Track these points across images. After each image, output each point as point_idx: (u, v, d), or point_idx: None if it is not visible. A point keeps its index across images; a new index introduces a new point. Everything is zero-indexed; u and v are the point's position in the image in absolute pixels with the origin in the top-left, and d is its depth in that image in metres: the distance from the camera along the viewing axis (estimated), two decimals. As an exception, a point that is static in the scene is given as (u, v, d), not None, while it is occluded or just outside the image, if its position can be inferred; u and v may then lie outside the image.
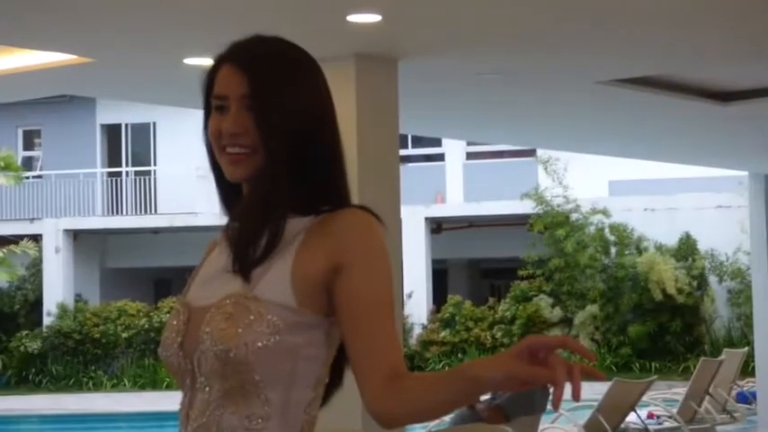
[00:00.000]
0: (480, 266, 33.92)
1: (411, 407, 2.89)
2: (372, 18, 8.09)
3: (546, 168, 27.41)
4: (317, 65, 3.21)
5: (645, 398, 17.50)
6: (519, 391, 9.29)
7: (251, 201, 2.95)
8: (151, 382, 27.51)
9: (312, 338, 2.91)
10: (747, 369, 18.63)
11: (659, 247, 26.98)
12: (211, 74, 3.08)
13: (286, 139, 2.95)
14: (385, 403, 2.88)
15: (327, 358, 2.99)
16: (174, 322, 2.93)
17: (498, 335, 27.20)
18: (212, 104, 3.03)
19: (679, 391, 18.16)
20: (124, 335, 28.60)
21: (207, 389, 2.83)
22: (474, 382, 2.71)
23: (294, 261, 2.84)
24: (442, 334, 27.94)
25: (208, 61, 9.00)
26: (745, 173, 17.31)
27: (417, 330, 27.45)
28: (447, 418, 11.97)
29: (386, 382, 2.85)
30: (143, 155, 33.43)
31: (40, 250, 30.84)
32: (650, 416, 17.42)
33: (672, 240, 27.17)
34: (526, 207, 27.50)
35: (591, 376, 2.64)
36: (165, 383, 27.29)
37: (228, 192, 3.14)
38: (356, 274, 2.84)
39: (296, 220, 2.89)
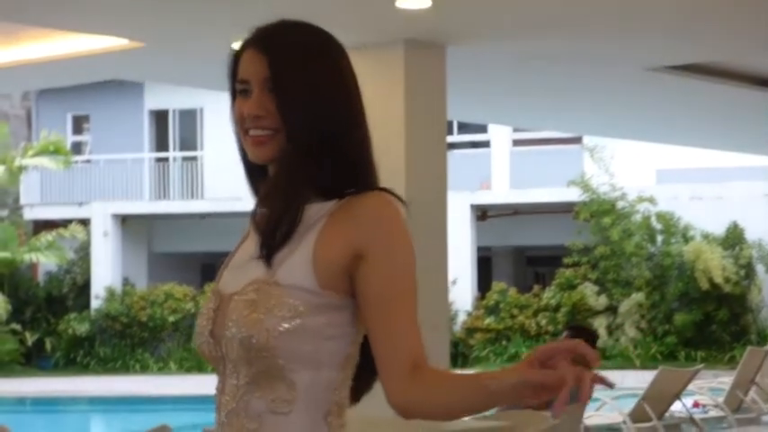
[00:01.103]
0: (525, 254, 33.79)
1: (430, 401, 2.83)
2: (422, 4, 8.04)
3: (592, 156, 27.26)
4: (341, 49, 3.07)
5: (690, 387, 17.40)
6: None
7: (274, 183, 2.94)
8: (197, 365, 27.55)
9: (337, 319, 2.87)
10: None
11: (706, 236, 26.76)
12: (235, 58, 3.01)
13: (308, 121, 2.93)
14: (405, 394, 2.81)
15: (356, 337, 2.94)
16: (206, 310, 2.94)
17: (543, 322, 27.12)
18: (236, 89, 3.01)
19: (725, 380, 18.03)
20: (171, 318, 28.74)
21: (235, 375, 2.85)
22: (484, 389, 2.65)
23: (315, 245, 2.83)
24: (487, 321, 27.93)
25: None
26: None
27: (462, 317, 27.36)
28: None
29: (406, 373, 2.79)
30: (190, 140, 33.48)
31: (89, 234, 31.16)
32: (695, 405, 17.32)
33: (719, 229, 26.96)
34: (572, 195, 27.34)
35: (599, 383, 2.63)
36: (211, 367, 27.21)
37: (257, 177, 3.13)
38: (377, 262, 2.79)
39: (319, 203, 2.87)
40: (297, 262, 2.83)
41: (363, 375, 3.05)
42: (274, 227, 2.87)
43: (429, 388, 2.80)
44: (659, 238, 26.92)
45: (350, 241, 2.80)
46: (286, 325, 2.78)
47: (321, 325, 2.80)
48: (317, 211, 2.84)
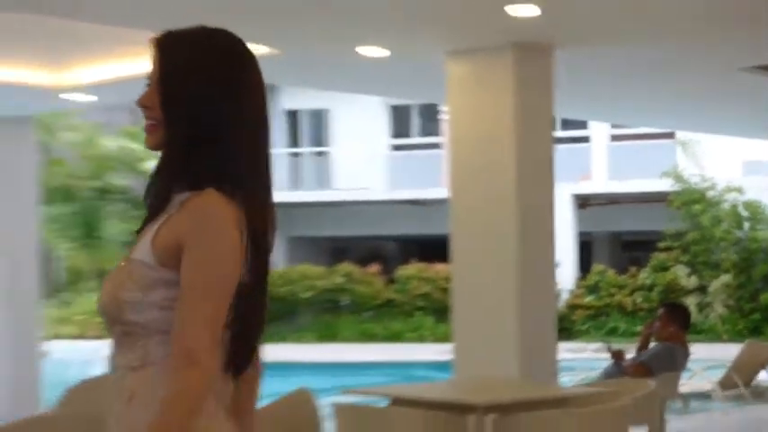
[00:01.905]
0: (621, 239, 33.74)
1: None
2: (531, 12, 7.99)
3: (684, 149, 27.15)
4: (238, 58, 3.22)
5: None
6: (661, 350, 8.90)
7: (153, 170, 3.07)
8: (328, 335, 27.87)
9: (174, 293, 2.96)
10: None
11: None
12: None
13: (182, 120, 3.00)
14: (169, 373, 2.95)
15: None
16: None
17: (639, 300, 27.02)
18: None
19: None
20: (305, 295, 28.95)
21: (112, 336, 3.02)
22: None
23: (158, 228, 2.93)
24: (587, 299, 27.90)
25: (379, 51, 8.93)
26: None
27: (565, 296, 27.38)
28: (595, 374, 11.83)
29: (176, 360, 2.90)
30: (319, 137, 33.81)
31: None
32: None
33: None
34: (665, 185, 27.17)
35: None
36: (341, 337, 27.74)
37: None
38: (188, 252, 2.88)
39: (184, 193, 2.95)
40: (144, 240, 2.98)
41: (237, 347, 3.18)
42: (146, 209, 3.06)
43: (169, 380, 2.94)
44: (746, 225, 26.53)
45: (177, 231, 2.90)
46: (130, 296, 2.94)
47: (159, 298, 2.95)
48: (178, 200, 2.95)
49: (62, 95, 11.60)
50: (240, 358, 3.19)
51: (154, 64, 3.06)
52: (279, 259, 32.11)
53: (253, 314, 3.21)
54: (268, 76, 10.00)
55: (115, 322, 3.01)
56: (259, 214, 3.15)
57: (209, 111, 3.05)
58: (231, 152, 3.04)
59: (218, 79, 3.08)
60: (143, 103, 3.02)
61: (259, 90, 3.19)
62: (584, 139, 30.03)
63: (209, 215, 2.93)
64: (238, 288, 3.04)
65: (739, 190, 26.96)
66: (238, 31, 9.36)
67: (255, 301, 3.21)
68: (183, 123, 3.01)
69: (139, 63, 10.36)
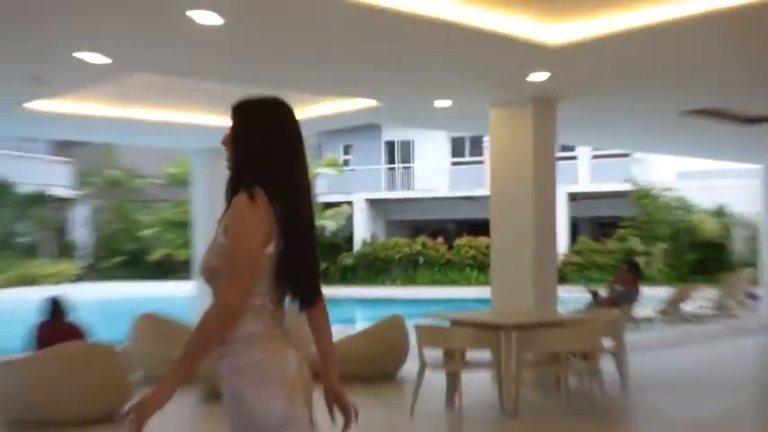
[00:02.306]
0: (597, 221, 33.54)
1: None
2: (543, 77, 7.99)
3: (638, 164, 27.03)
4: (271, 119, 3.27)
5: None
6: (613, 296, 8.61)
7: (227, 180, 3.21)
8: (411, 282, 27.98)
9: None
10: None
11: (704, 211, 26.03)
12: None
13: (239, 154, 3.16)
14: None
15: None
16: None
17: (608, 260, 26.51)
18: None
19: (714, 291, 17.65)
20: (397, 256, 28.99)
21: (211, 292, 3.06)
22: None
23: (222, 216, 3.05)
24: (575, 259, 27.20)
25: (446, 102, 8.78)
26: (758, 166, 16.60)
27: (561, 257, 27.13)
28: (580, 306, 11.76)
29: (214, 305, 2.96)
30: (406, 156, 33.91)
31: (352, 210, 31.68)
32: (701, 307, 16.92)
33: (712, 207, 26.08)
34: (626, 186, 26.90)
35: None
36: (419, 283, 27.83)
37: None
38: (228, 236, 2.99)
39: (240, 194, 3.02)
40: (219, 225, 3.07)
41: (294, 290, 3.20)
42: (226, 203, 3.14)
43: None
44: (677, 213, 26.21)
45: (227, 219, 3.03)
46: (212, 264, 3.02)
47: None
48: (236, 198, 3.01)
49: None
50: (300, 297, 3.18)
51: (232, 119, 3.20)
52: (381, 234, 32.36)
53: (297, 268, 3.14)
54: (374, 119, 10.06)
55: (207, 282, 3.05)
56: (291, 208, 3.12)
57: (251, 150, 3.14)
58: (265, 170, 3.09)
59: (258, 133, 3.16)
60: (223, 143, 3.17)
61: (285, 134, 3.22)
62: (574, 157, 29.75)
63: (237, 206, 2.99)
64: (277, 253, 3.06)
65: (671, 190, 26.54)
66: (359, 93, 9.25)
67: (297, 259, 3.14)
68: (239, 156, 3.15)
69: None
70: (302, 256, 3.18)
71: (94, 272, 29.19)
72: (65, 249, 29.71)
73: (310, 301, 3.25)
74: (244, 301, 3.00)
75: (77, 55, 6.83)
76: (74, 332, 7.71)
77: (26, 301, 18.66)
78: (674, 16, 6.14)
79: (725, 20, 6.13)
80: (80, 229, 31.49)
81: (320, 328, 3.32)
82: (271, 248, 3.04)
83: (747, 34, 6.59)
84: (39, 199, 27.84)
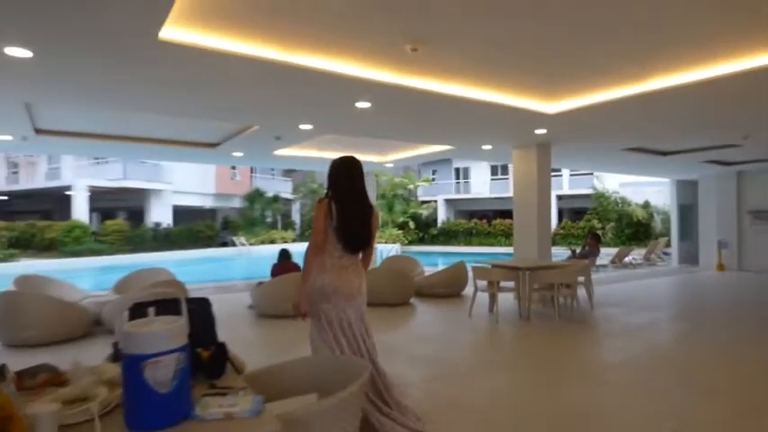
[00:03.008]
0: (574, 210, 32.08)
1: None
2: (543, 131, 7.73)
3: (597, 177, 25.60)
4: (344, 164, 3.26)
5: (632, 254, 16.23)
6: (580, 253, 8.18)
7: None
8: (468, 244, 26.80)
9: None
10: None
11: (637, 204, 24.33)
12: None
13: (330, 181, 3.22)
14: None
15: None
16: None
17: (579, 232, 25.29)
18: None
19: (641, 251, 16.67)
20: (460, 230, 27.91)
21: None
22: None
23: None
24: (561, 231, 25.39)
25: (488, 146, 8.41)
26: (667, 179, 15.61)
27: (552, 230, 26.28)
28: (564, 258, 11.36)
29: (312, 247, 3.20)
30: (466, 175, 33.08)
31: (437, 205, 30.96)
32: (630, 260, 16.00)
33: (641, 201, 24.41)
34: (590, 191, 25.64)
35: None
36: (473, 244, 26.77)
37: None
38: None
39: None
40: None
41: (346, 243, 3.17)
42: None
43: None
44: (620, 205, 24.71)
45: None
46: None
47: None
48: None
49: (384, 163, 11.56)
50: (351, 247, 3.18)
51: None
52: (452, 217, 31.61)
53: (349, 234, 3.14)
54: (448, 156, 9.57)
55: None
56: (344, 207, 3.15)
57: (333, 182, 3.21)
58: (338, 189, 3.20)
59: (337, 173, 3.21)
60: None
61: (351, 174, 3.23)
62: (560, 174, 28.63)
63: (316, 207, 3.17)
64: (334, 226, 3.13)
65: (617, 193, 24.99)
66: (441, 142, 8.89)
67: (348, 230, 3.15)
68: (330, 183, 3.22)
69: (411, 152, 10.54)
70: (348, 230, 3.19)
71: (302, 237, 29.99)
72: (288, 225, 30.67)
73: (354, 251, 3.25)
74: (315, 248, 3.12)
75: None
76: (293, 267, 7.80)
77: (268, 251, 19.39)
78: (619, 97, 5.94)
79: (644, 101, 5.92)
80: (295, 215, 32.51)
81: (365, 263, 3.35)
82: (332, 225, 3.12)
83: (659, 108, 6.25)
84: (276, 199, 28.79)
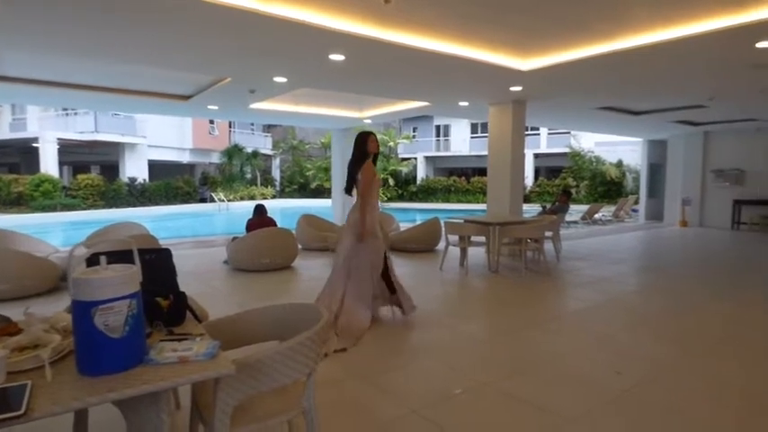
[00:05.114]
0: (550, 168, 32.31)
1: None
2: (519, 88, 7.65)
3: (574, 137, 25.40)
4: (366, 136, 4.18)
5: (602, 210, 16.58)
6: (551, 209, 8.37)
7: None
8: (446, 200, 26.73)
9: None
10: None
11: (610, 164, 24.57)
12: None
13: (353, 153, 3.94)
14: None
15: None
16: None
17: (554, 189, 25.55)
18: None
19: (611, 208, 16.98)
20: (439, 187, 27.81)
21: None
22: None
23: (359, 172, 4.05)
24: (536, 189, 25.56)
25: (465, 103, 8.29)
26: (640, 139, 15.74)
27: (528, 188, 26.40)
28: (536, 214, 11.48)
29: (357, 214, 4.04)
30: (447, 133, 32.70)
31: (417, 162, 30.33)
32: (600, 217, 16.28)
33: (614, 160, 24.64)
34: (566, 149, 25.70)
35: None
36: (450, 201, 26.97)
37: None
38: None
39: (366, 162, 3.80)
40: (359, 174, 3.91)
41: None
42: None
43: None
44: (594, 164, 24.89)
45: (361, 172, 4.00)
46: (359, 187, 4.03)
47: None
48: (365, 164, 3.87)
49: (362, 119, 11.41)
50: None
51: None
52: (431, 175, 31.43)
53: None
54: (428, 112, 9.47)
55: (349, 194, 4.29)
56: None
57: (355, 152, 4.01)
58: (359, 163, 4.10)
59: (358, 144, 4.14)
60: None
61: (369, 145, 4.14)
62: (538, 133, 28.58)
63: (364, 169, 3.95)
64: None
65: (591, 152, 25.07)
66: (420, 99, 8.69)
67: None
68: (354, 149, 4.06)
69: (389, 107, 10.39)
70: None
71: (282, 193, 29.82)
72: (268, 181, 30.35)
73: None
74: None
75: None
76: (269, 222, 7.75)
77: (247, 208, 19.14)
78: (591, 55, 5.86)
79: (616, 59, 5.85)
80: (275, 171, 32.11)
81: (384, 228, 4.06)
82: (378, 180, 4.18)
83: (631, 67, 6.20)
84: (255, 155, 28.33)
